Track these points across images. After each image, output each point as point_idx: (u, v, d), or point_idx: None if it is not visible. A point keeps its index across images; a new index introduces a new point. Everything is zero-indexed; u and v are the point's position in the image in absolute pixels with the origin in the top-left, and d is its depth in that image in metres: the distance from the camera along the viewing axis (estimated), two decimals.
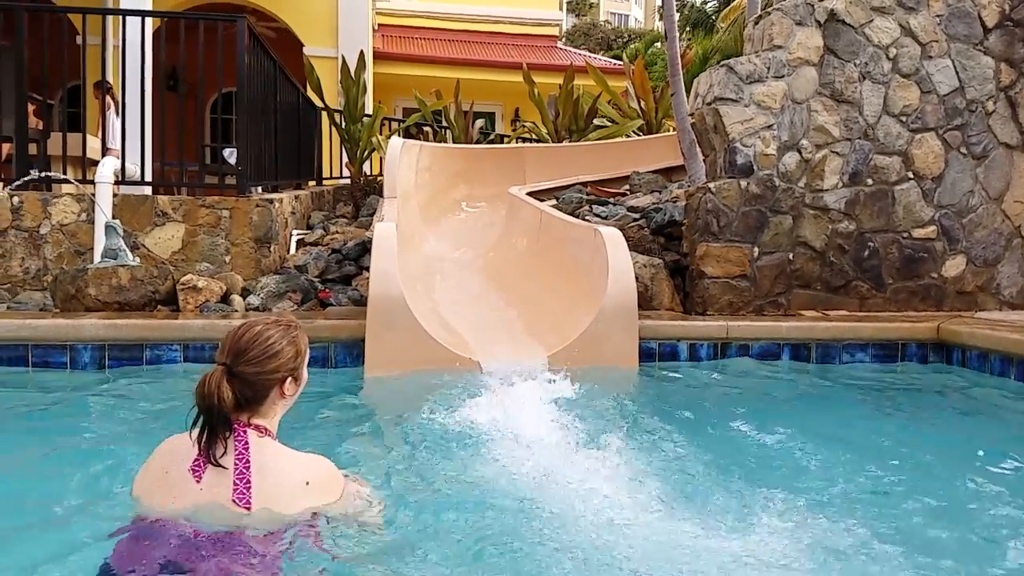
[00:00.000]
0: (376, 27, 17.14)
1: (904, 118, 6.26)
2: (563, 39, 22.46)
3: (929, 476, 3.15)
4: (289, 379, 2.21)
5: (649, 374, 5.01)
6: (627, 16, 44.92)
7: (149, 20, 6.59)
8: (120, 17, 6.69)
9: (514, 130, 15.50)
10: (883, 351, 5.45)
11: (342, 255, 7.00)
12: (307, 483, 2.16)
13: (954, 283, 6.32)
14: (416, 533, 2.35)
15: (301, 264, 6.78)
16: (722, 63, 6.22)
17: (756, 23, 6.38)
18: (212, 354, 4.80)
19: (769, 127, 6.07)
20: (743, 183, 6.02)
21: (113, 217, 5.89)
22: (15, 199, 6.14)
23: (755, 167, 6.04)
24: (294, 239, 7.52)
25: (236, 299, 5.69)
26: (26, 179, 6.00)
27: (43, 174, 6.33)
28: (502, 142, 13.50)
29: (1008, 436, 3.81)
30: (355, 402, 4.48)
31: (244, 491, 2.06)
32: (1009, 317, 5.94)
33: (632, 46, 31.42)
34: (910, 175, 6.28)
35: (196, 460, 2.09)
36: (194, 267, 6.18)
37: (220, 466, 2.07)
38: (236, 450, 2.09)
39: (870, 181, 6.23)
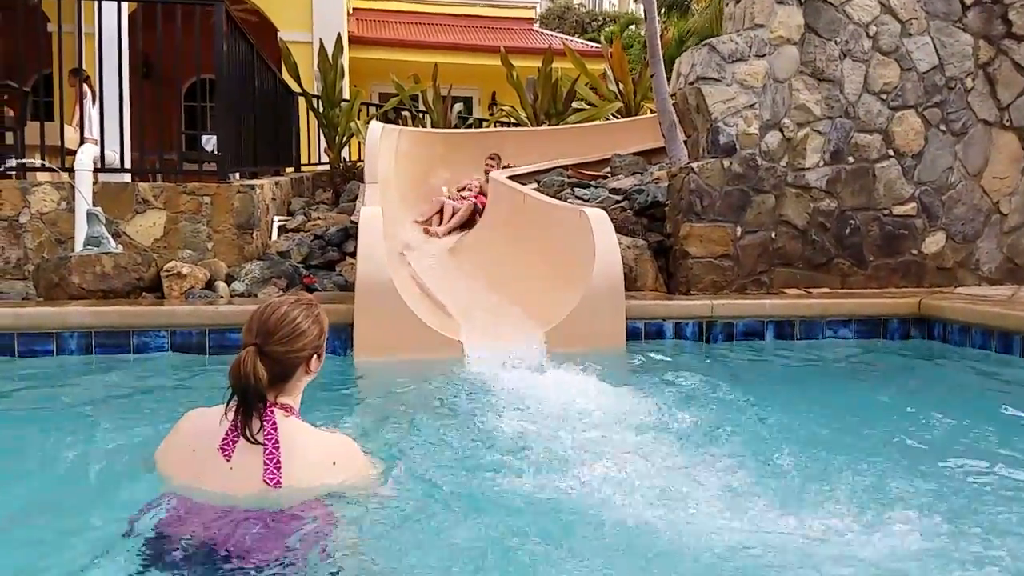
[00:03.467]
0: (351, 11, 16.97)
1: (884, 96, 6.31)
2: (537, 22, 22.35)
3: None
4: (314, 356, 2.28)
5: (636, 353, 5.04)
6: None
7: (125, 6, 6.48)
8: (95, 3, 6.59)
9: (492, 114, 15.46)
10: (865, 327, 5.52)
11: (325, 241, 6.97)
12: (334, 463, 2.23)
13: (934, 259, 6.40)
14: (420, 512, 2.36)
15: (284, 250, 6.74)
16: (704, 42, 6.24)
17: (738, 2, 6.39)
18: (199, 340, 4.82)
19: (751, 106, 6.09)
20: (726, 162, 6.05)
21: (94, 205, 5.81)
22: None
23: (737, 146, 6.07)
24: (276, 225, 7.47)
25: (220, 285, 5.65)
26: (4, 168, 5.91)
27: (20, 162, 6.24)
28: (480, 126, 13.45)
29: (992, 405, 3.88)
30: (345, 386, 4.49)
31: (275, 470, 2.11)
32: (988, 292, 6.03)
33: (608, 29, 31.35)
34: (890, 152, 6.34)
35: (225, 439, 2.13)
36: (177, 254, 6.12)
37: (256, 442, 2.11)
38: (265, 430, 2.14)
39: (851, 159, 6.28)
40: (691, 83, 6.18)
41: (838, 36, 6.25)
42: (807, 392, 4.29)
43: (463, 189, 8.59)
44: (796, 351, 5.21)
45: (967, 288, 6.28)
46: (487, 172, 8.69)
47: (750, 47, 6.13)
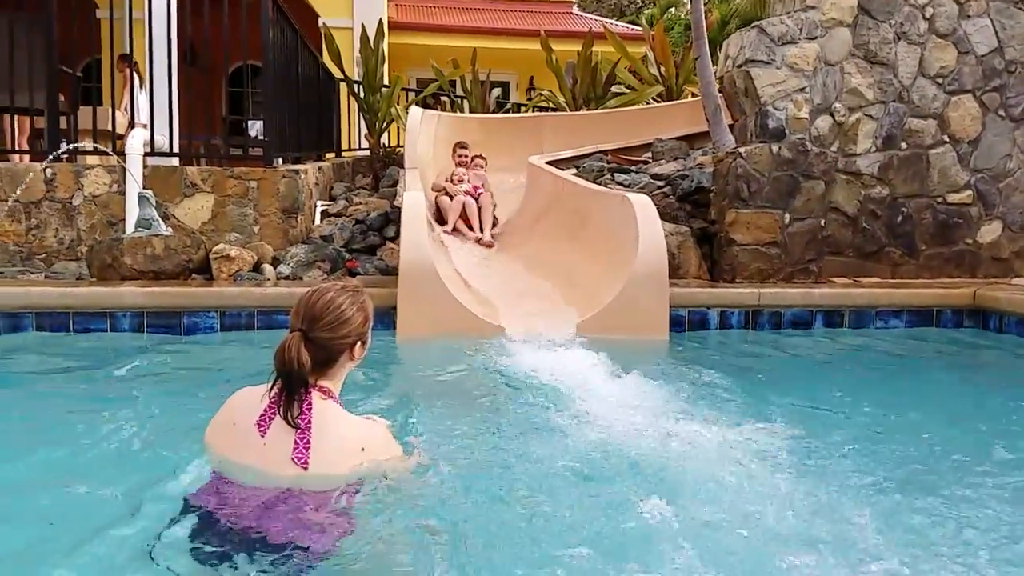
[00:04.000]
0: None
1: (940, 80, 6.17)
2: (575, 5, 22.16)
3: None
4: (359, 343, 2.28)
5: (680, 341, 4.98)
6: None
7: None
8: None
9: (529, 99, 15.38)
10: (917, 317, 5.41)
11: (366, 225, 6.99)
12: (362, 448, 2.23)
13: (989, 249, 6.25)
14: (445, 501, 2.36)
15: (327, 234, 6.77)
16: (753, 24, 6.13)
17: None
18: (248, 321, 4.87)
19: (801, 90, 5.99)
20: (775, 147, 5.95)
21: (144, 188, 5.88)
22: (48, 171, 6.15)
23: (787, 131, 5.97)
24: (319, 210, 7.50)
25: (267, 268, 5.70)
26: (62, 151, 6.00)
27: (73, 146, 6.32)
28: (518, 111, 13.39)
29: None
30: (388, 367, 4.50)
31: (303, 451, 2.12)
32: None
33: (647, 11, 31.05)
34: (945, 138, 6.20)
35: (263, 415, 2.16)
36: (224, 237, 6.18)
37: (294, 425, 2.13)
38: (300, 411, 2.15)
39: (904, 145, 6.15)
40: (739, 66, 6.08)
41: (893, 18, 6.11)
42: (857, 381, 4.21)
43: (457, 182, 7.54)
44: (846, 339, 5.12)
45: None
46: (462, 165, 7.77)
47: (801, 29, 6.02)
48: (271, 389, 2.17)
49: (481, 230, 7.06)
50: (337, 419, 2.21)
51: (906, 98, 6.14)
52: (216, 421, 2.29)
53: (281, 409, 2.14)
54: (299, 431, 2.13)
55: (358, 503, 2.15)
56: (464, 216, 7.11)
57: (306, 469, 2.11)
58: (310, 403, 2.16)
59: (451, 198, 7.23)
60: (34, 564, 1.94)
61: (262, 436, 2.14)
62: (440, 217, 7.21)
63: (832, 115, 6.05)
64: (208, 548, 1.94)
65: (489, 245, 6.91)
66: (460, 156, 7.93)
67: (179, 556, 1.92)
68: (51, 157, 5.80)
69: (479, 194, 7.29)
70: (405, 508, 2.22)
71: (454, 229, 7.01)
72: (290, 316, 2.25)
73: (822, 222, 6.02)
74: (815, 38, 6.03)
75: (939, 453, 2.92)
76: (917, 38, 6.15)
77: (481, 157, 8.05)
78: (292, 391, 2.13)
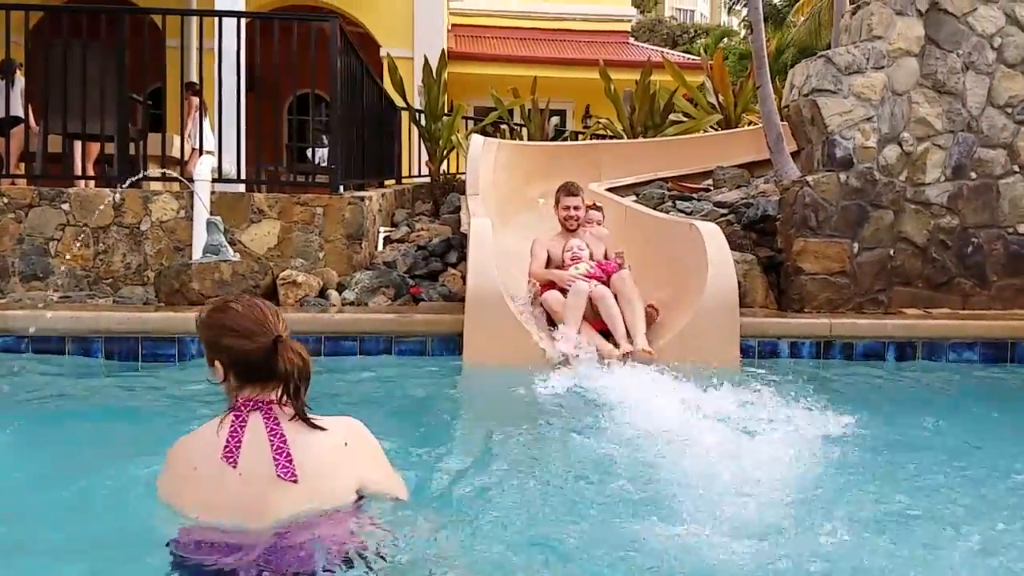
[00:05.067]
0: (449, 27, 17.23)
1: (1010, 109, 6.06)
2: (631, 35, 22.26)
3: None
4: None
5: (751, 370, 4.90)
6: (692, 11, 44.41)
7: (243, 21, 6.71)
8: (214, 20, 6.84)
9: (586, 127, 15.43)
10: (991, 350, 5.27)
11: (428, 252, 7.05)
12: (345, 444, 2.17)
13: None
14: (512, 508, 2.36)
15: (390, 260, 6.84)
16: (820, 54, 6.09)
17: (854, 13, 6.23)
18: (315, 347, 4.92)
19: (869, 119, 5.92)
20: (842, 176, 5.88)
21: (212, 214, 6.01)
22: (117, 196, 6.32)
23: (855, 160, 5.90)
24: (381, 236, 7.59)
25: (332, 294, 5.77)
26: (137, 178, 6.17)
27: (153, 172, 6.49)
28: (575, 139, 13.44)
29: None
30: (454, 392, 4.53)
31: (287, 464, 2.05)
32: None
33: (700, 41, 31.05)
34: (1016, 168, 6.08)
35: (226, 447, 2.07)
36: (289, 263, 6.28)
37: (301, 415, 2.11)
38: (267, 427, 2.09)
39: (973, 175, 6.04)
40: (805, 95, 6.03)
41: (960, 48, 6.03)
42: (939, 415, 4.10)
43: (572, 261, 5.29)
44: (920, 373, 5.00)
45: None
46: (571, 226, 5.49)
47: (867, 59, 5.96)
48: (220, 422, 2.11)
49: (629, 335, 4.80)
50: (309, 425, 2.14)
51: (975, 128, 6.04)
52: (170, 477, 2.17)
53: (295, 407, 2.11)
54: (274, 447, 2.06)
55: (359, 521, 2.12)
56: (594, 317, 4.97)
57: (296, 481, 2.04)
58: (275, 418, 2.10)
59: (564, 292, 5.00)
60: None
61: (234, 467, 2.05)
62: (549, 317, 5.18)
63: (900, 144, 5.97)
64: None
65: (648, 354, 4.70)
66: (569, 210, 5.44)
67: None
68: (127, 184, 5.95)
69: (611, 270, 5.12)
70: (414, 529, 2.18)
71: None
72: (259, 328, 2.14)
73: (891, 252, 5.92)
74: (882, 68, 5.97)
75: None
76: (985, 68, 6.05)
77: (596, 208, 5.98)
78: (299, 391, 2.11)
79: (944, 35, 6.02)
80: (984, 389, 4.80)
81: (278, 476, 2.03)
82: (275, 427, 2.08)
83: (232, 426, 2.09)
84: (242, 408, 2.12)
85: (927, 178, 5.98)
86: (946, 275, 5.99)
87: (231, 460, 2.05)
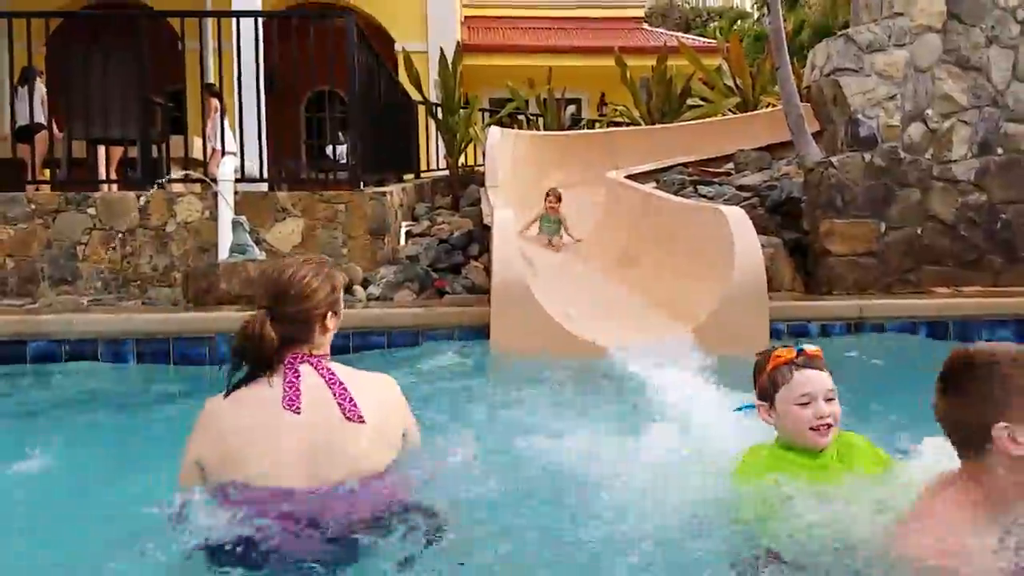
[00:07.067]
0: (462, 19, 17.21)
1: None
2: (644, 20, 22.13)
3: None
4: (329, 313, 2.25)
5: None
6: None
7: (260, 21, 6.72)
8: (232, 21, 6.87)
9: (602, 115, 15.38)
10: None
11: (450, 245, 7.06)
12: (393, 397, 2.31)
13: None
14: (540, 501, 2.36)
15: (412, 255, 6.85)
16: (840, 32, 6.03)
17: None
18: (343, 343, 4.87)
19: (892, 97, 5.86)
20: (867, 156, 5.83)
21: (236, 214, 6.04)
22: (142, 199, 6.36)
23: (879, 139, 5.84)
24: (403, 230, 7.61)
25: (358, 290, 5.79)
26: (164, 180, 6.21)
27: (179, 174, 6.52)
28: (592, 127, 13.40)
29: None
30: (480, 387, 4.51)
31: (353, 407, 2.11)
32: None
33: (714, 24, 30.79)
34: None
35: (285, 396, 2.10)
36: None
37: (291, 383, 2.12)
38: (325, 376, 2.14)
39: (1000, 150, 5.96)
40: (827, 75, 5.98)
41: (983, 22, 5.94)
42: None
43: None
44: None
45: None
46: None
47: (889, 36, 5.90)
48: (270, 374, 2.13)
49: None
50: (358, 372, 2.24)
51: (1001, 102, 5.96)
52: (212, 437, 2.14)
53: (289, 383, 2.12)
54: (336, 392, 2.11)
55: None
56: None
57: (364, 422, 2.10)
58: (328, 367, 2.17)
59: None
60: None
61: (297, 413, 2.08)
62: None
63: (925, 122, 5.90)
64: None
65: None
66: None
67: None
68: (156, 185, 6.00)
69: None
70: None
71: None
72: (257, 295, 2.24)
73: (919, 231, 5.86)
74: (904, 45, 5.90)
75: None
76: (1009, 41, 5.96)
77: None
78: (265, 364, 2.11)
79: (966, 9, 5.93)
80: None
81: (346, 418, 2.09)
82: (331, 375, 2.14)
83: (287, 377, 2.12)
84: (292, 361, 2.17)
85: (953, 155, 5.91)
86: (975, 252, 5.92)
87: (294, 407, 2.08)
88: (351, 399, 2.11)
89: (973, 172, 5.92)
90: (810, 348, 2.25)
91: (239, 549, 1.94)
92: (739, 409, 2.56)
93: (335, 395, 2.11)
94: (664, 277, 5.94)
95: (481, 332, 5.04)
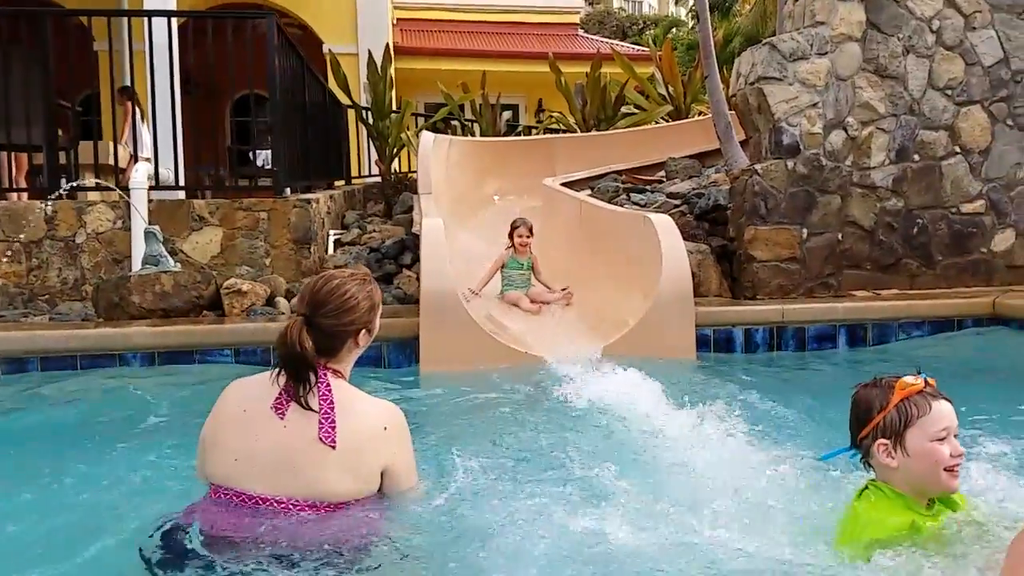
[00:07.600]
0: (394, 22, 17.04)
1: (949, 91, 6.11)
2: (580, 27, 22.23)
3: None
4: (364, 331, 2.29)
5: (707, 360, 4.89)
6: (641, 2, 44.58)
7: (175, 21, 6.51)
8: (144, 20, 6.62)
9: (539, 121, 15.38)
10: (939, 328, 5.33)
11: (381, 254, 6.94)
12: (385, 428, 2.25)
13: (1003, 257, 6.18)
14: (466, 515, 2.32)
15: (341, 264, 6.72)
16: (764, 41, 6.09)
17: (796, 0, 6.24)
18: (264, 357, 4.79)
19: (814, 105, 5.93)
20: (790, 163, 5.89)
21: (150, 223, 5.83)
22: (49, 208, 6.10)
23: (801, 146, 5.91)
24: (331, 239, 7.46)
25: (281, 302, 5.63)
26: (65, 188, 5.96)
27: (78, 183, 6.27)
28: (528, 133, 13.38)
29: None
30: (411, 399, 4.41)
31: (330, 429, 2.12)
32: None
33: (649, 32, 31.15)
34: (957, 149, 6.13)
35: (278, 399, 2.15)
36: (234, 271, 6.13)
37: (309, 408, 2.13)
38: (320, 391, 2.16)
39: (917, 157, 6.09)
40: (751, 83, 6.03)
41: (900, 32, 6.07)
42: None
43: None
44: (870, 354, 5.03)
45: None
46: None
47: (811, 45, 5.97)
48: (278, 375, 2.16)
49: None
50: (359, 399, 2.25)
51: (917, 111, 6.09)
52: (219, 414, 2.24)
53: (292, 391, 2.14)
54: (323, 411, 2.13)
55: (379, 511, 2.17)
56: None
57: (334, 447, 2.11)
58: (328, 384, 2.17)
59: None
60: None
61: (281, 418, 2.12)
62: None
63: (845, 129, 5.99)
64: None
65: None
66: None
67: None
68: (55, 195, 5.74)
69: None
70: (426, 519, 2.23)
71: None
72: (296, 300, 2.28)
73: (839, 236, 5.95)
74: (825, 53, 5.98)
75: None
76: (925, 51, 6.10)
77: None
78: (299, 375, 2.13)
79: (884, 19, 6.05)
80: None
81: (319, 439, 2.10)
82: (327, 392, 2.15)
83: (289, 380, 2.15)
84: None
85: (872, 162, 6.02)
86: (893, 256, 6.04)
87: (280, 412, 2.13)
88: (332, 421, 2.13)
89: (891, 179, 6.04)
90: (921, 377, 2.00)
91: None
92: (826, 457, 2.27)
93: (320, 413, 2.13)
94: (596, 285, 5.93)
95: (411, 345, 4.94)
